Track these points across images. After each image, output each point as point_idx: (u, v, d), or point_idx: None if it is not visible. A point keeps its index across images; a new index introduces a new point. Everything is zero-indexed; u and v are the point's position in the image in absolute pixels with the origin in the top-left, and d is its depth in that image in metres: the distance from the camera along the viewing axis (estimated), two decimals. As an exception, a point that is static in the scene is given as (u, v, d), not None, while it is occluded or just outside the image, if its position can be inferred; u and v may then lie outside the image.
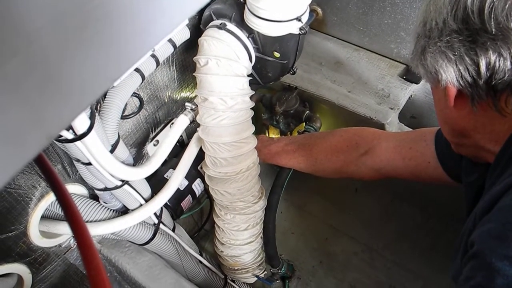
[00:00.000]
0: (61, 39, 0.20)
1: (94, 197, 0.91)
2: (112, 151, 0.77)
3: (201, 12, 0.93)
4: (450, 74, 0.54)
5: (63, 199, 0.28)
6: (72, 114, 0.24)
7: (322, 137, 1.05)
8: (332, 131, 1.09)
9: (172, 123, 1.07)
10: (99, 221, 0.86)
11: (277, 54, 0.92)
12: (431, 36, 0.55)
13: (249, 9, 0.82)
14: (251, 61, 0.92)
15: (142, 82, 0.82)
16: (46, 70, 0.19)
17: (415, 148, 0.87)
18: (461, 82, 0.53)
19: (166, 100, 1.04)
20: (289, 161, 1.09)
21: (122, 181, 0.83)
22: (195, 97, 0.92)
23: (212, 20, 0.90)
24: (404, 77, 1.26)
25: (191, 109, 0.95)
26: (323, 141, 1.03)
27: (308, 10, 0.85)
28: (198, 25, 0.94)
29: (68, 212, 0.26)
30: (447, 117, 0.62)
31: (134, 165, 0.87)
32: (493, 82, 0.51)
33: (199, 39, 0.88)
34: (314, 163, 1.03)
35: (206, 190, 1.13)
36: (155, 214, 0.95)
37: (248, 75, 0.92)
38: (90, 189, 0.89)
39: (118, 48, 0.23)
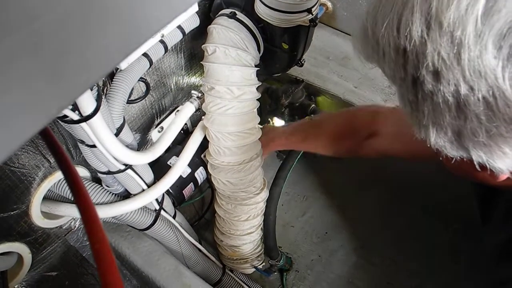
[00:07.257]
0: (80, 7, 0.20)
1: (96, 180, 0.91)
2: (117, 135, 0.77)
3: (211, 0, 0.92)
4: (509, 165, 0.38)
5: (67, 167, 0.28)
6: (81, 88, 0.24)
7: (319, 126, 1.05)
8: (326, 118, 1.08)
9: (178, 111, 1.07)
10: (101, 204, 0.87)
11: (285, 46, 0.91)
12: (469, 116, 0.35)
13: (260, -1, 0.82)
14: (259, 51, 0.92)
15: (149, 67, 0.82)
16: (64, 37, 0.19)
17: (413, 133, 0.86)
18: None
19: (172, 87, 1.03)
20: (299, 149, 1.12)
21: (126, 165, 0.83)
22: (201, 85, 0.92)
23: (222, 8, 0.89)
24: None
25: (197, 97, 0.95)
26: (323, 131, 1.03)
27: (318, 3, 0.85)
28: (208, 13, 0.94)
29: (73, 181, 0.26)
30: (476, 176, 0.47)
31: (138, 150, 0.87)
32: None
33: (208, 27, 0.87)
34: (323, 149, 1.05)
35: (208, 179, 1.13)
36: (156, 200, 0.95)
37: (256, 66, 0.92)
38: (93, 172, 0.89)
39: (133, 22, 0.23)
